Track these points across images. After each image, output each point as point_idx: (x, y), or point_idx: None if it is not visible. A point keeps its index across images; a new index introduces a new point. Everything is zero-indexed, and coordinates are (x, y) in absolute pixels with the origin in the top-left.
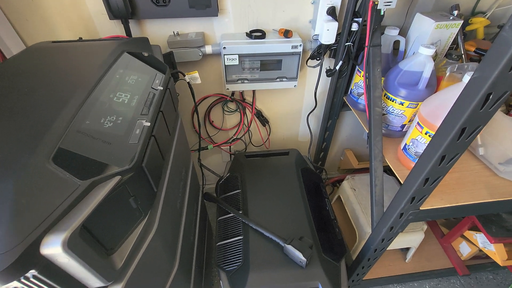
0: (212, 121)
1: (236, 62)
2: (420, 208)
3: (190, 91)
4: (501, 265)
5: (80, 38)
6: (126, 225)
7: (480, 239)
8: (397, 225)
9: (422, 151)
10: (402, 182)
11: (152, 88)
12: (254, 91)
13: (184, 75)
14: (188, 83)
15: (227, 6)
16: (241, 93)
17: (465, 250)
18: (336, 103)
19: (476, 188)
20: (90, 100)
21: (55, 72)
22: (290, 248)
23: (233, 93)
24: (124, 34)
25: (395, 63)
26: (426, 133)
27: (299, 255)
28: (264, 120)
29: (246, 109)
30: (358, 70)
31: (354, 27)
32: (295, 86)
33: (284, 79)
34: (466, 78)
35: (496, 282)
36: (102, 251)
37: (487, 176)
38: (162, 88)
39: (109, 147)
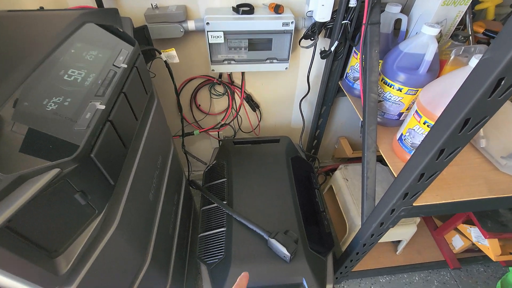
0: (199, 105)
1: (221, 40)
2: (413, 204)
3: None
4: (494, 260)
5: (41, 8)
6: (73, 224)
7: (474, 233)
8: (388, 221)
9: (419, 143)
10: (395, 176)
11: (113, 65)
12: (243, 74)
13: (160, 53)
14: (165, 62)
15: None
16: (229, 75)
17: (457, 243)
18: (331, 88)
19: (474, 183)
20: (33, 77)
21: (0, 43)
22: (274, 242)
23: (220, 75)
24: (95, 5)
25: (395, 44)
26: (424, 123)
27: (283, 250)
28: (254, 105)
29: (235, 92)
30: (354, 51)
31: (352, 2)
32: (286, 68)
33: (274, 61)
34: (474, 61)
35: (487, 275)
36: (42, 255)
37: (487, 170)
38: (126, 65)
39: (49, 134)
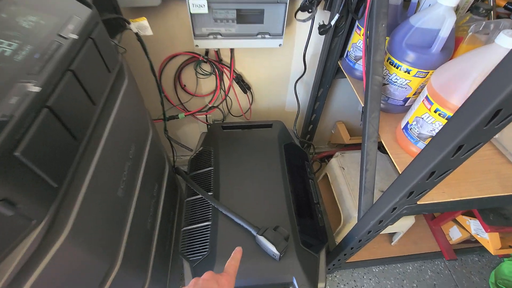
0: (184, 86)
1: (205, 10)
2: (418, 203)
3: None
4: (493, 254)
5: None
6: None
7: (474, 226)
8: (388, 219)
9: (427, 134)
10: (399, 170)
11: (59, 35)
12: (232, 51)
13: (129, 23)
14: (137, 34)
15: None
16: (217, 52)
17: (455, 234)
18: (329, 69)
19: (485, 178)
20: None
21: None
22: (262, 239)
23: (207, 52)
24: None
25: (405, 18)
26: (435, 111)
27: (272, 249)
28: (245, 86)
29: (224, 72)
30: (357, 27)
31: None
32: (280, 45)
33: (267, 36)
34: (504, 39)
35: (481, 265)
36: None
37: (499, 163)
38: (77, 36)
39: None
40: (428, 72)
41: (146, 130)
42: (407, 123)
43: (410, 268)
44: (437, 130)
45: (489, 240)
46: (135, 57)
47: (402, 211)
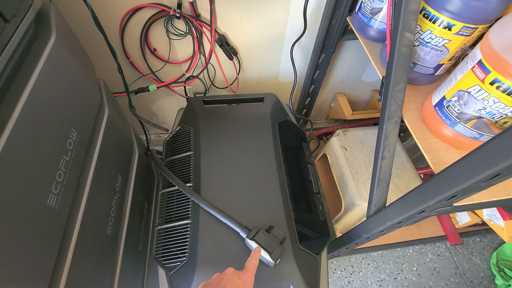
0: (154, 50)
1: None
2: (454, 205)
3: None
4: (507, 242)
5: None
6: None
7: (487, 211)
8: (409, 220)
9: (472, 113)
10: (427, 158)
11: None
12: (212, 2)
13: None
14: None
15: None
16: (192, 3)
17: (463, 218)
18: (335, 27)
19: None
20: None
21: None
22: (253, 244)
23: (179, 4)
24: None
25: None
26: (492, 83)
27: (265, 256)
28: (230, 51)
29: (203, 32)
30: None
31: None
32: None
33: None
34: None
35: (483, 245)
36: None
37: None
38: None
39: None
40: (477, 28)
41: (98, 108)
42: (443, 98)
43: (410, 251)
44: (489, 110)
45: (505, 227)
46: (83, 10)
47: (431, 213)
